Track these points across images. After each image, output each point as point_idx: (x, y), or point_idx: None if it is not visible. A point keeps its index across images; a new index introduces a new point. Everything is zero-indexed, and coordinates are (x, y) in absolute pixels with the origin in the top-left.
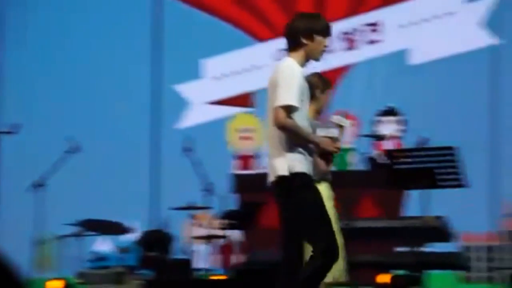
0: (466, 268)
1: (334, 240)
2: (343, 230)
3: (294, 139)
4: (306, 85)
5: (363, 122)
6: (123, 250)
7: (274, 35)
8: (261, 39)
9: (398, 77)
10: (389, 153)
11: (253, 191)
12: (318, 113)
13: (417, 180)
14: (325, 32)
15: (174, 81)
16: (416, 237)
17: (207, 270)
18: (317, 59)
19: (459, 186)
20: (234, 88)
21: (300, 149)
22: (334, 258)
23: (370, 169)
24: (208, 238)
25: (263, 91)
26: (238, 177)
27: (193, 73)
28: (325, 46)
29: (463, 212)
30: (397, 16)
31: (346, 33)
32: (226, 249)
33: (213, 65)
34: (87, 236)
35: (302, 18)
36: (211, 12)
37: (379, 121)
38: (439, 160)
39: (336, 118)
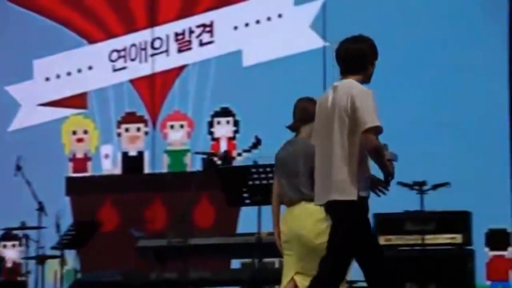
0: None
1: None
2: (179, 248)
3: (375, 161)
4: None
5: (198, 123)
6: None
7: (106, 36)
8: (93, 40)
9: (232, 78)
10: (224, 170)
11: (87, 194)
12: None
13: (253, 196)
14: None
15: (5, 83)
16: (251, 254)
17: None
18: (368, 83)
19: None
20: (66, 90)
21: (367, 173)
22: None
23: (207, 170)
24: (41, 258)
25: (96, 91)
26: (73, 179)
27: (24, 74)
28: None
29: None
30: (229, 17)
31: (179, 34)
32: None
33: (44, 66)
34: None
35: (367, 42)
36: (41, 13)
37: (214, 122)
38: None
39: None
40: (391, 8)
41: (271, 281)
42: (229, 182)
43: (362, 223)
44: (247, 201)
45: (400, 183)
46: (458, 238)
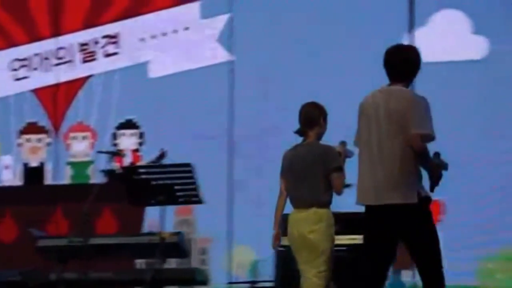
0: (204, 283)
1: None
2: (80, 248)
3: (422, 164)
4: None
5: (102, 135)
6: None
7: (8, 45)
8: None
9: (137, 89)
10: (127, 169)
11: None
12: (319, 138)
13: (156, 196)
14: None
15: None
16: (154, 254)
17: None
18: None
19: (197, 202)
20: None
21: (419, 176)
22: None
23: (109, 182)
24: None
25: None
26: None
27: None
28: None
29: None
30: (136, 29)
31: (84, 45)
32: None
33: None
34: None
35: (417, 51)
36: None
37: (118, 134)
38: (178, 176)
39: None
40: (298, 22)
41: (172, 281)
42: (133, 182)
43: (433, 225)
44: (151, 201)
45: None
46: (358, 239)
